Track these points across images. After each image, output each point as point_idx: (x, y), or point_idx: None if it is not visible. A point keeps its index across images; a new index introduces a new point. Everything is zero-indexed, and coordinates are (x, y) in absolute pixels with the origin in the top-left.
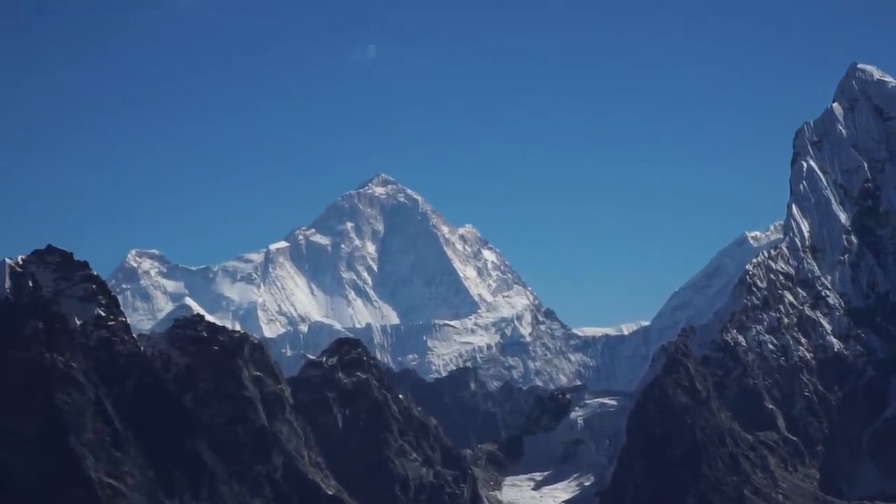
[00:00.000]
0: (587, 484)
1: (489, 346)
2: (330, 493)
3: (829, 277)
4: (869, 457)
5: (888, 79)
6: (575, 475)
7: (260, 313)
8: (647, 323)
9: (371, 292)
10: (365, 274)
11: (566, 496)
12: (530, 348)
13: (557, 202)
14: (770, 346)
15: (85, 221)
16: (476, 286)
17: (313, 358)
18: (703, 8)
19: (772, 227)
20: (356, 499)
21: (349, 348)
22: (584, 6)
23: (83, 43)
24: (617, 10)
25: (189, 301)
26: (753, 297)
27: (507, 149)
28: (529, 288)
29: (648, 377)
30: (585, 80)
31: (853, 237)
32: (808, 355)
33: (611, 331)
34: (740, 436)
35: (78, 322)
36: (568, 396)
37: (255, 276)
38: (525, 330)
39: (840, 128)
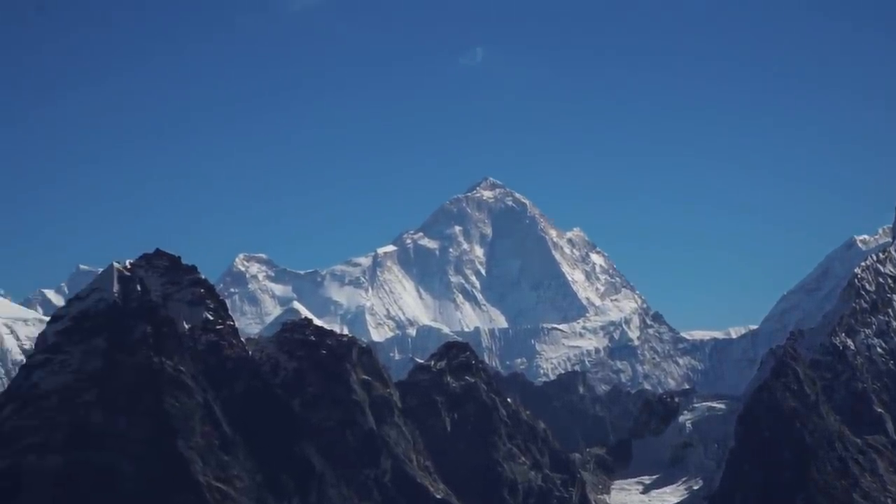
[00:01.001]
0: (696, 488)
1: (597, 350)
2: (438, 496)
3: None
4: None
5: None
6: (683, 479)
7: (368, 317)
8: (755, 326)
9: (479, 296)
10: (473, 278)
11: (675, 500)
12: (638, 352)
13: (665, 205)
14: (879, 350)
15: (193, 225)
16: (584, 290)
17: (422, 362)
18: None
19: (880, 231)
20: (464, 503)
21: (458, 352)
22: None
23: (192, 44)
24: (723, 22)
25: (297, 305)
26: (862, 301)
27: (614, 152)
28: (637, 291)
29: (757, 381)
30: (693, 83)
31: None
32: None
33: (719, 334)
34: (849, 439)
35: (186, 326)
36: (676, 400)
37: (363, 279)
38: (633, 333)
39: None
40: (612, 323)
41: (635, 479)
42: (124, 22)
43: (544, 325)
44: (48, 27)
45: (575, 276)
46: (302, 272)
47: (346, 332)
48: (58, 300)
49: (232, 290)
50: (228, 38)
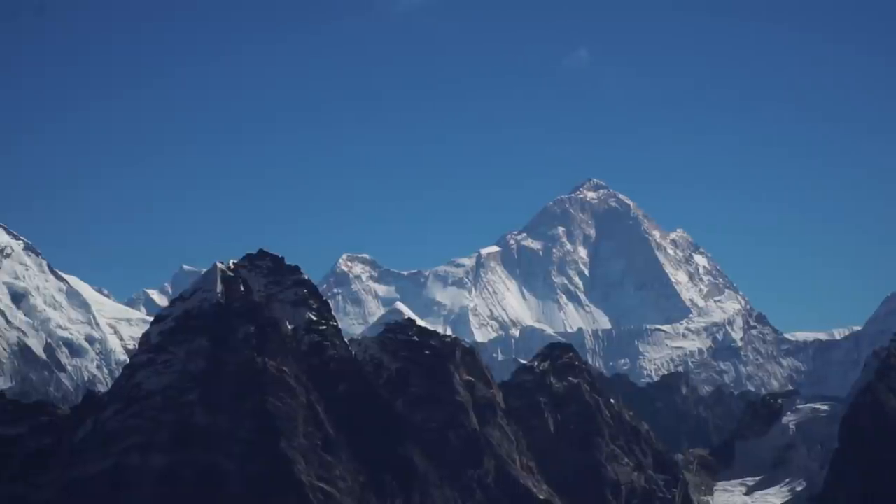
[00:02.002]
0: (798, 489)
1: (701, 351)
2: (541, 497)
3: None
4: None
5: None
6: (786, 480)
7: (471, 318)
8: (859, 327)
9: (582, 297)
10: (576, 278)
11: (778, 501)
12: (742, 353)
13: (769, 206)
14: None
15: (297, 226)
16: (687, 290)
17: (525, 363)
18: None
19: None
20: (567, 503)
21: (561, 353)
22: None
23: (299, 45)
24: (843, 24)
25: (400, 305)
26: None
27: (718, 153)
28: (741, 292)
29: (861, 382)
30: (800, 84)
31: None
32: None
33: (822, 335)
34: None
35: (289, 326)
36: (779, 401)
37: (466, 280)
38: (736, 334)
39: None
40: (716, 324)
41: (738, 481)
42: (230, 20)
43: (647, 326)
44: (141, 21)
45: (678, 277)
46: (405, 273)
47: (449, 332)
48: (161, 300)
49: (335, 290)
50: (334, 38)
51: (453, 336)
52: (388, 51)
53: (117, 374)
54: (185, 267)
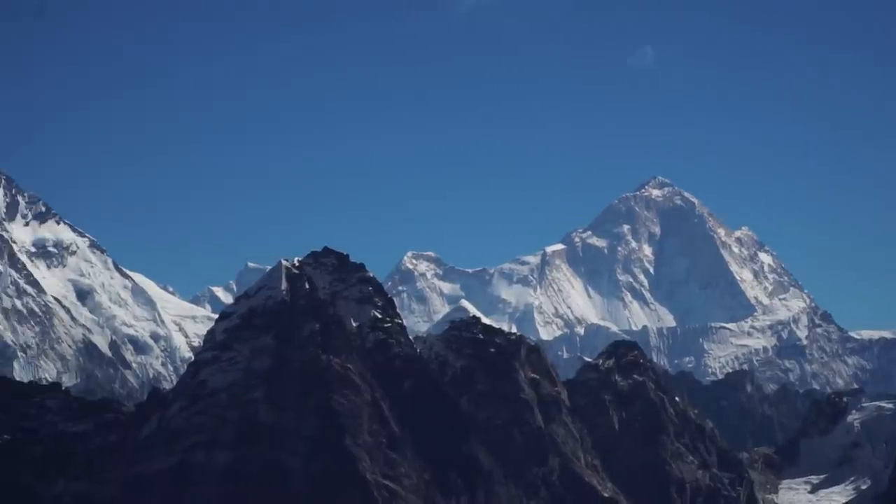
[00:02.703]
0: (864, 487)
1: (765, 349)
2: (606, 495)
3: None
4: None
5: None
6: (851, 479)
7: (536, 315)
8: None
9: (647, 295)
10: (641, 276)
11: (843, 500)
12: (806, 351)
13: (834, 204)
14: None
15: (362, 224)
16: (752, 288)
17: (590, 360)
18: None
19: None
20: (632, 501)
21: (626, 351)
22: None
23: (364, 44)
24: None
25: (465, 303)
26: None
27: (783, 151)
28: (805, 291)
29: None
30: (871, 83)
31: None
32: None
33: (888, 333)
34: None
35: (354, 324)
36: (845, 399)
37: (531, 278)
38: (801, 333)
39: None
40: (781, 322)
41: (803, 479)
42: (299, 21)
43: (712, 324)
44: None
45: (743, 275)
46: (470, 270)
47: (514, 330)
48: (226, 298)
49: (400, 288)
50: (399, 36)
51: (518, 334)
52: (450, 49)
53: (182, 371)
54: (250, 264)
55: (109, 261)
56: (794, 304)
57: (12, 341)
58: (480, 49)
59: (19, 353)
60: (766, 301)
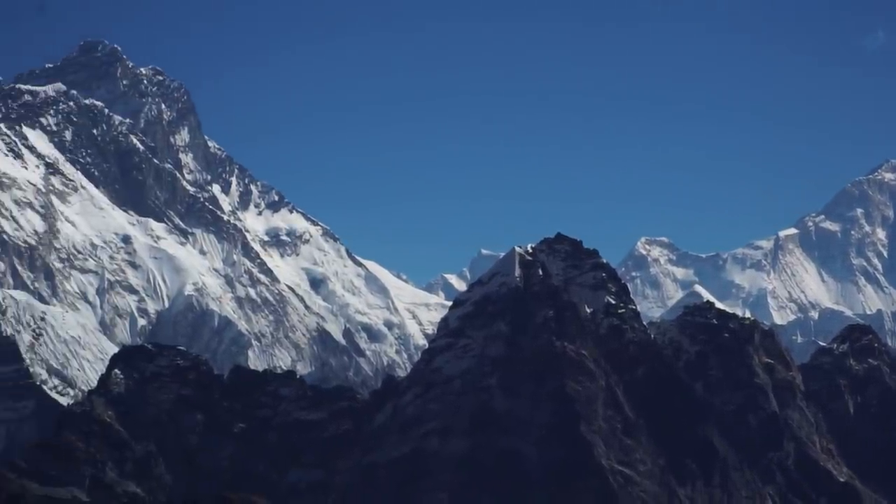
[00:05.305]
0: None
1: None
2: (841, 480)
3: None
4: None
5: None
6: None
7: (770, 300)
8: None
9: (881, 278)
10: (875, 260)
11: None
12: None
13: None
14: None
15: (595, 210)
16: None
17: (824, 345)
18: None
19: None
20: (868, 486)
21: (860, 335)
22: None
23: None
24: None
25: (698, 288)
26: None
27: None
28: None
29: None
30: None
31: None
32: None
33: None
34: None
35: (588, 310)
36: None
37: (765, 262)
38: None
39: None
40: None
41: None
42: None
43: None
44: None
45: None
46: (703, 255)
47: (747, 315)
48: (460, 285)
49: (633, 273)
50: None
51: (752, 318)
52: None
53: (416, 358)
54: (484, 251)
55: (342, 249)
56: None
57: (247, 330)
58: (717, 27)
59: (254, 342)
60: None
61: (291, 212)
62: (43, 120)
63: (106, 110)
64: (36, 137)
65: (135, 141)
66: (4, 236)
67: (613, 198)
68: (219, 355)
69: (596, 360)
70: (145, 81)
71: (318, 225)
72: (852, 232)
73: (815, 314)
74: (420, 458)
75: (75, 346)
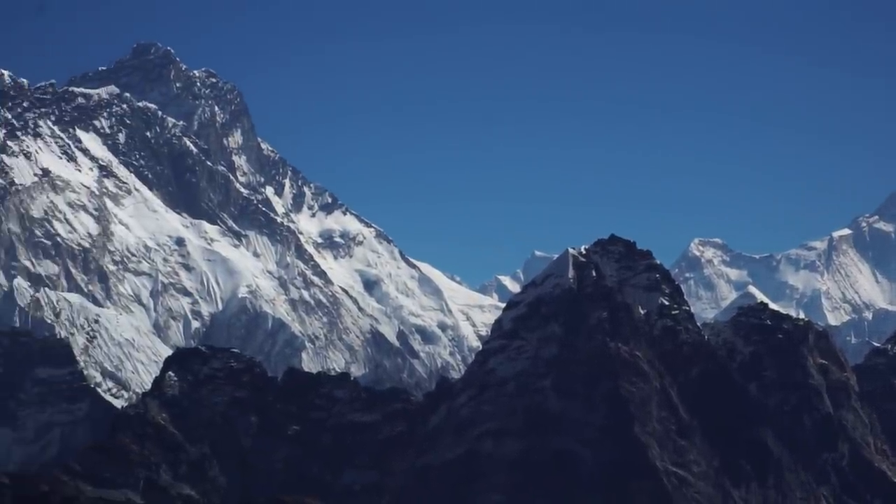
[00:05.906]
0: None
1: None
2: None
3: None
4: None
5: None
6: None
7: (824, 301)
8: None
9: None
10: None
11: None
12: None
13: None
14: None
15: (648, 211)
16: None
17: (878, 345)
18: None
19: None
20: None
21: None
22: None
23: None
24: None
25: (752, 289)
26: None
27: None
28: None
29: None
30: None
31: None
32: None
33: None
34: None
35: (642, 311)
36: None
37: (818, 263)
38: None
39: None
40: None
41: None
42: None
43: None
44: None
45: None
46: (757, 256)
47: (801, 315)
48: (513, 286)
49: (687, 274)
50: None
51: (806, 319)
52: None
53: (470, 360)
54: (537, 253)
55: (396, 251)
56: None
57: (300, 332)
58: (786, 42)
59: (307, 344)
60: None
61: (345, 213)
62: (96, 123)
63: (159, 112)
64: (89, 140)
65: (188, 143)
66: (58, 239)
67: (667, 199)
68: (272, 357)
69: (650, 361)
70: (198, 83)
71: (371, 227)
72: None
73: (868, 315)
74: (474, 459)
75: (129, 349)
